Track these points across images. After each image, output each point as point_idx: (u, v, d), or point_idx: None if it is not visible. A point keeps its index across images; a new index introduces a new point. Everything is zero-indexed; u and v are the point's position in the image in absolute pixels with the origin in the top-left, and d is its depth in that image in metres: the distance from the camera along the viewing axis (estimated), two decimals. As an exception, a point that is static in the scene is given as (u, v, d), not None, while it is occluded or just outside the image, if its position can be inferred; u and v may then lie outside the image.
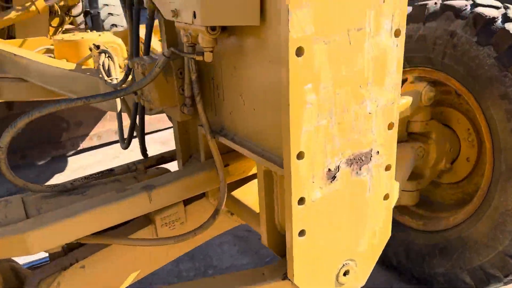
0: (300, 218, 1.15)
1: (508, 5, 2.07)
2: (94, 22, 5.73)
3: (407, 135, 2.34)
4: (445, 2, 2.13)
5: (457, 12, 2.06)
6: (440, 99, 2.40)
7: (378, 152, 1.25)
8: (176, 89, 1.46)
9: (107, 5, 6.66)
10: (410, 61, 2.30)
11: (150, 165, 1.71)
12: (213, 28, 1.15)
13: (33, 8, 3.93)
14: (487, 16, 1.97)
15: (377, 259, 1.40)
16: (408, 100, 2.01)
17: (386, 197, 1.33)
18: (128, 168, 1.59)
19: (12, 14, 3.87)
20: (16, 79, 3.11)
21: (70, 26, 5.98)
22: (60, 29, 5.61)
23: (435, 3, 2.18)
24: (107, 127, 4.90)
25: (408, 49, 2.26)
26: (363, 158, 1.22)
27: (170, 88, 1.45)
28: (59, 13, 5.49)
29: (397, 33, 1.15)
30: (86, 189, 1.47)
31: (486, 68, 1.96)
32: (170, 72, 1.44)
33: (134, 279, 1.58)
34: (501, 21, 1.95)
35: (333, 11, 1.02)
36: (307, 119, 1.07)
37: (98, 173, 1.54)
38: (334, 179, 1.18)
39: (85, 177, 1.51)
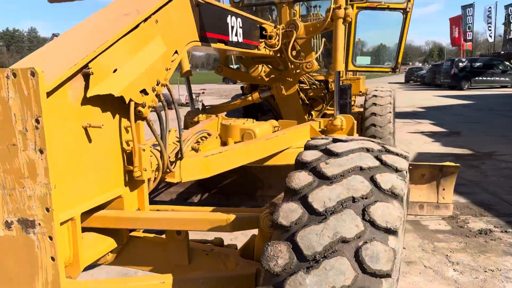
0: (-7, 242, 2.01)
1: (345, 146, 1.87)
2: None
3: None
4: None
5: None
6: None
7: (39, 224, 1.92)
8: None
9: (374, 104, 7.31)
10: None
11: None
12: None
13: (249, 98, 5.42)
14: (299, 159, 1.90)
15: None
16: (228, 217, 2.11)
17: (52, 259, 1.93)
18: None
19: (237, 101, 5.50)
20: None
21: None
22: (319, 113, 6.94)
23: None
24: None
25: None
26: (29, 223, 1.94)
27: None
28: (318, 100, 6.86)
29: (40, 151, 1.84)
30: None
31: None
32: None
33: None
34: (309, 168, 1.85)
35: (-8, 133, 1.89)
36: (-11, 186, 1.96)
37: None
38: (10, 228, 1.97)
39: None
